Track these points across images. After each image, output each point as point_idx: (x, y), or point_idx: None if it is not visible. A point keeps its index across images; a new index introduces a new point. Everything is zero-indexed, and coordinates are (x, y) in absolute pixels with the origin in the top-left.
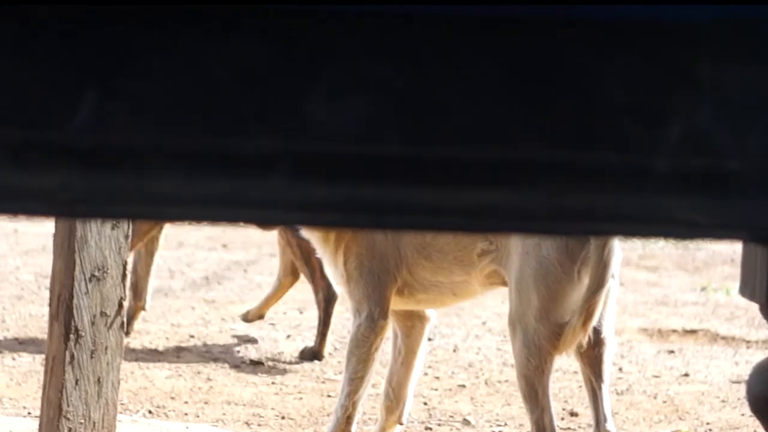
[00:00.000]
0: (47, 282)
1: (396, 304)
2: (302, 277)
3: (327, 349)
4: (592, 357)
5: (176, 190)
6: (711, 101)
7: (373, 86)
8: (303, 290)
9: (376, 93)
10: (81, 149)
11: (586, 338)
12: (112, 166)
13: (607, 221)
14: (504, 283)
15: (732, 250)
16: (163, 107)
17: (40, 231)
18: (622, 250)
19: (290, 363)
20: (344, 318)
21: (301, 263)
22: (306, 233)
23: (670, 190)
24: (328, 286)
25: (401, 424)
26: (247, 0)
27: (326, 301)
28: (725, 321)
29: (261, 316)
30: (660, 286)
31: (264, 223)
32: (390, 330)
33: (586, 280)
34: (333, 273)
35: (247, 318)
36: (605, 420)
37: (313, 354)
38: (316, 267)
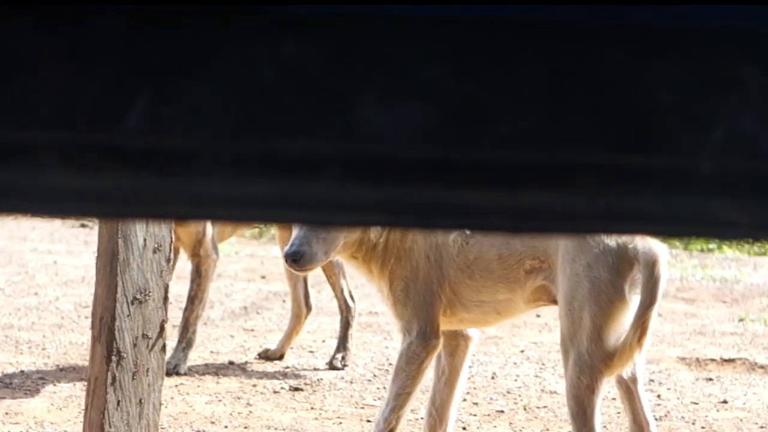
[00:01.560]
0: (87, 311)
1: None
2: (335, 307)
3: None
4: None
5: (226, 191)
6: (756, 104)
7: (421, 90)
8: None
9: (425, 97)
10: (132, 151)
11: (641, 354)
12: (163, 168)
13: (652, 222)
14: (551, 301)
15: None
16: (215, 110)
17: (79, 263)
18: None
19: (329, 389)
20: (383, 346)
21: (329, 268)
22: (349, 266)
23: (714, 192)
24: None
25: None
26: (296, 6)
27: (347, 309)
28: (763, 350)
29: (282, 355)
30: (698, 317)
31: (312, 224)
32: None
33: (634, 300)
34: (381, 297)
35: (268, 356)
36: (648, 424)
37: (341, 358)
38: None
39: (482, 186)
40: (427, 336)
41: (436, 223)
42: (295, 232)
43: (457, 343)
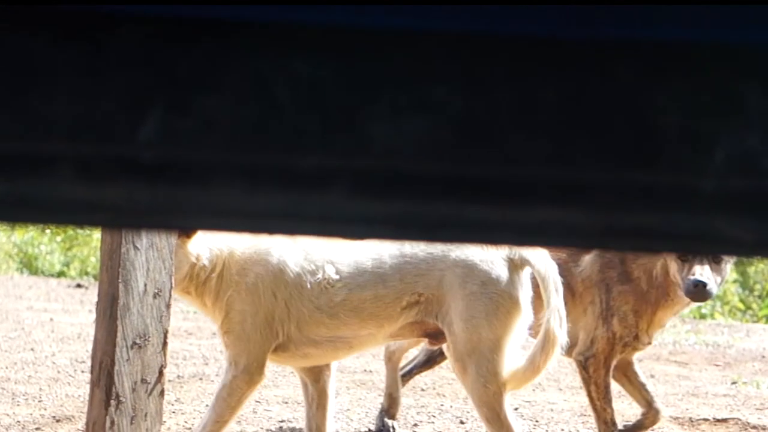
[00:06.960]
0: (83, 366)
1: (281, 359)
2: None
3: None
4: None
5: (237, 203)
6: (759, 125)
7: (431, 107)
8: (338, 376)
9: (434, 113)
10: (146, 163)
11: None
12: (176, 180)
13: (657, 238)
14: (419, 335)
15: (762, 347)
16: (227, 124)
17: (75, 320)
18: (652, 347)
19: None
20: (377, 402)
21: None
22: (184, 298)
23: (717, 209)
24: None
25: None
26: (309, 23)
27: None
28: (756, 411)
29: None
30: (691, 379)
31: (321, 237)
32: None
33: (528, 308)
34: (216, 325)
35: None
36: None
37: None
38: None
39: (487, 202)
40: (251, 372)
41: (441, 238)
42: None
43: (319, 369)
